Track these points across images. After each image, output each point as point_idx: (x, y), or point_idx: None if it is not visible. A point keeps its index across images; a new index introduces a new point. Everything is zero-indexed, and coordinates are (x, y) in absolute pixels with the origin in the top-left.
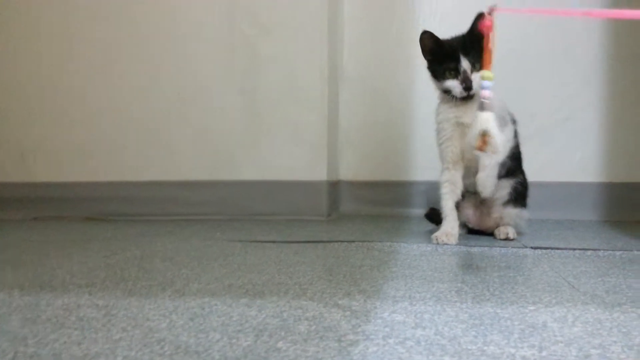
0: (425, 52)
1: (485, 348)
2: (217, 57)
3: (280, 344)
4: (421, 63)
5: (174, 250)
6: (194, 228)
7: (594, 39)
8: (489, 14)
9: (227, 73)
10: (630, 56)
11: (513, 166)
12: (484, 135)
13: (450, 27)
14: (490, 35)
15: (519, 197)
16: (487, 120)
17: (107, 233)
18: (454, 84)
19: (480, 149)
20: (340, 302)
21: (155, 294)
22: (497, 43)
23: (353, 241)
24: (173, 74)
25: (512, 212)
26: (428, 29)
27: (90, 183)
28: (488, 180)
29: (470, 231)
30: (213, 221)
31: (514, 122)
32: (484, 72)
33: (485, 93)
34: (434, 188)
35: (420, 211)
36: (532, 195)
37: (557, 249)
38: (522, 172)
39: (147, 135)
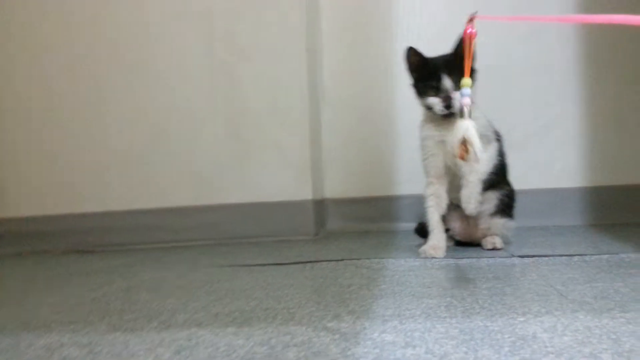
0: (410, 68)
1: None
2: (197, 84)
3: None
4: (401, 79)
5: (160, 280)
6: (181, 255)
7: (568, 49)
8: (470, 21)
9: (209, 99)
10: (603, 64)
11: (498, 179)
12: (464, 144)
13: (427, 45)
14: (472, 43)
15: (506, 208)
16: (466, 128)
17: (92, 265)
18: (435, 102)
19: (462, 157)
20: (329, 324)
21: (140, 327)
22: (476, 58)
23: (341, 259)
24: (154, 102)
25: (499, 222)
26: (407, 46)
27: (74, 215)
28: (472, 197)
29: (458, 243)
30: (200, 247)
31: (498, 139)
32: (464, 80)
33: (465, 100)
34: (421, 202)
35: (406, 225)
36: (516, 203)
37: (544, 256)
38: (508, 184)
39: (130, 164)
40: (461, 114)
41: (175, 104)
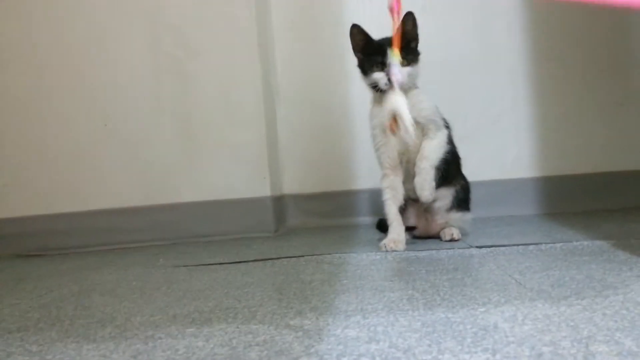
0: (356, 47)
1: (440, 357)
2: (143, 81)
3: None
4: (355, 72)
5: (113, 282)
6: (134, 256)
7: (516, 41)
8: None
9: (156, 97)
10: (551, 56)
11: (451, 172)
12: (394, 116)
13: (379, 30)
14: (396, 17)
15: (462, 201)
16: (395, 100)
17: (41, 270)
18: (379, 76)
19: (392, 130)
20: (291, 322)
21: (94, 333)
22: (425, 50)
23: (302, 256)
24: (100, 99)
25: (456, 216)
26: (352, 24)
27: (18, 218)
28: (425, 183)
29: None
30: (155, 247)
31: (447, 127)
32: (392, 51)
33: (394, 71)
34: (379, 196)
35: (366, 219)
36: (471, 194)
37: (501, 246)
38: (462, 177)
39: (75, 164)
40: (390, 87)
41: (122, 102)
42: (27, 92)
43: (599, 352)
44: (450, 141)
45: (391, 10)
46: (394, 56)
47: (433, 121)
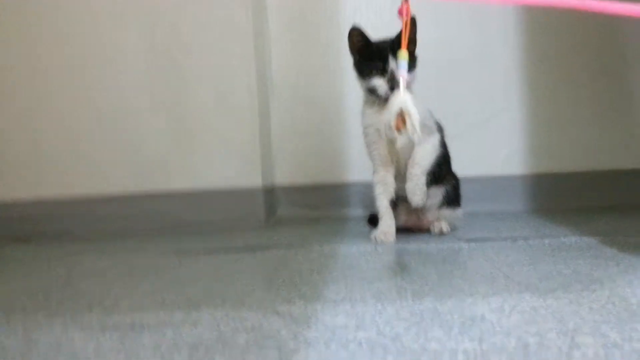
0: (354, 49)
1: (427, 345)
2: (139, 76)
3: (217, 358)
4: (349, 67)
5: (103, 268)
6: (124, 243)
7: (510, 41)
8: (406, 1)
9: (151, 91)
10: (544, 56)
11: (442, 173)
12: (402, 115)
13: (376, 31)
14: (408, 16)
15: (452, 199)
16: (404, 99)
17: (29, 254)
18: (380, 83)
19: (398, 128)
20: (280, 309)
21: (81, 315)
22: (420, 47)
23: (292, 246)
24: (94, 89)
25: (446, 212)
26: (351, 25)
27: (9, 203)
28: (417, 189)
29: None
30: (145, 235)
31: (440, 130)
32: (400, 52)
33: (402, 72)
34: (370, 189)
35: (357, 211)
36: (462, 190)
37: (490, 239)
38: (452, 176)
39: (68, 150)
40: (398, 86)
41: (112, 91)
42: (18, 75)
43: (585, 343)
44: (443, 144)
45: (400, 12)
46: (402, 57)
47: (426, 126)
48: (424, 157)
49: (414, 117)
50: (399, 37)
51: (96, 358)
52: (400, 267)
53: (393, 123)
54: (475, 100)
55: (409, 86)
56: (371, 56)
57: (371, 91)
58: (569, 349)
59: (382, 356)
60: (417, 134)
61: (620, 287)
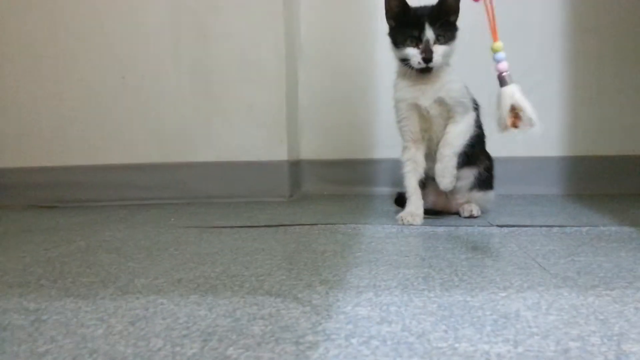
0: (390, 15)
1: (457, 345)
2: (162, 35)
3: (230, 351)
4: (382, 36)
5: (122, 240)
6: (147, 214)
7: (552, 10)
8: None
9: (175, 52)
10: (590, 28)
11: (475, 153)
12: (515, 110)
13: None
14: (488, 4)
15: (485, 181)
16: (512, 94)
17: (52, 222)
18: (413, 53)
19: (514, 125)
20: (299, 295)
21: (94, 294)
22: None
23: (315, 224)
24: (116, 53)
25: (478, 195)
26: None
27: (33, 168)
28: (446, 171)
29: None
30: (168, 205)
31: (476, 108)
32: (495, 44)
33: (502, 66)
34: (399, 167)
35: (384, 189)
36: (495, 171)
37: (524, 226)
38: (486, 156)
39: (92, 117)
40: (502, 82)
41: (140, 56)
42: (43, 41)
43: (633, 352)
44: (478, 123)
45: None
46: (497, 49)
47: (461, 103)
48: (457, 137)
49: (528, 109)
50: (440, 4)
51: (104, 344)
52: (428, 253)
53: (508, 121)
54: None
55: (445, 60)
56: (408, 23)
57: (404, 62)
58: (615, 357)
59: (407, 356)
60: (537, 128)
61: None
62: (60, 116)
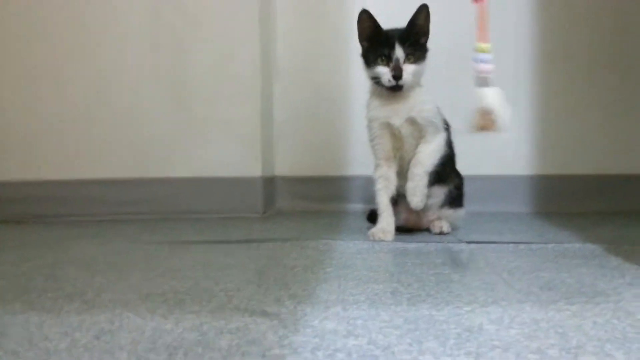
0: (362, 34)
1: (420, 358)
2: (140, 49)
3: None
4: (357, 55)
5: (92, 256)
6: (119, 229)
7: (524, 36)
8: None
9: (152, 66)
10: (559, 52)
11: (446, 172)
12: (488, 113)
13: (389, 17)
14: (483, 6)
15: (455, 199)
16: (487, 96)
17: (22, 237)
18: (384, 71)
19: (485, 127)
20: (268, 309)
21: (59, 308)
22: (430, 40)
23: (287, 239)
24: (92, 64)
25: (448, 212)
26: (362, 8)
27: (3, 182)
28: (417, 190)
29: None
30: (141, 221)
31: (447, 128)
32: (481, 45)
33: (484, 67)
34: (371, 183)
35: (357, 206)
36: (465, 189)
37: (492, 242)
38: (456, 175)
39: (66, 130)
40: (479, 83)
41: (115, 68)
42: (18, 53)
43: None
44: (449, 143)
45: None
46: (483, 50)
47: (433, 123)
48: (428, 156)
49: (501, 113)
50: (410, 26)
51: (68, 357)
52: (397, 268)
53: (478, 123)
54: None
55: (416, 79)
56: (379, 43)
57: (376, 80)
58: None
59: None
60: (507, 131)
61: (625, 300)
62: (33, 129)
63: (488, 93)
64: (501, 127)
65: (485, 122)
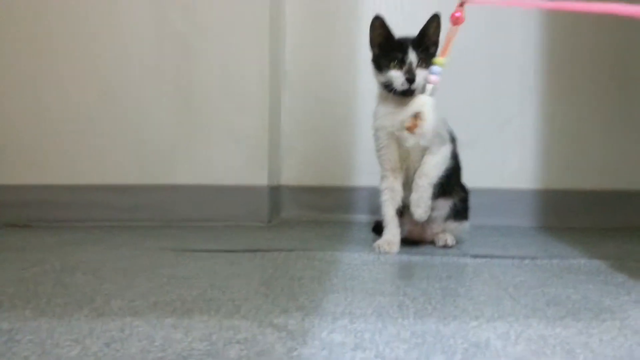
0: (374, 40)
1: None
2: (146, 55)
3: None
4: (365, 68)
5: (98, 262)
6: (124, 236)
7: (530, 46)
8: (460, 5)
9: (158, 72)
10: (565, 64)
11: (451, 184)
12: (417, 118)
13: (395, 27)
14: (456, 28)
15: (460, 212)
16: (424, 103)
17: (26, 241)
18: (397, 75)
19: (410, 130)
20: (276, 320)
21: (69, 314)
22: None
23: (293, 250)
24: (99, 70)
25: (453, 225)
26: (375, 14)
27: (7, 186)
28: (421, 201)
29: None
30: (146, 228)
31: (453, 140)
32: (437, 59)
33: (432, 78)
34: (377, 195)
35: (363, 217)
36: (470, 201)
37: (497, 257)
38: (461, 188)
39: (71, 136)
40: (423, 91)
41: (120, 74)
42: (23, 57)
43: None
44: (454, 155)
45: (454, 19)
46: (437, 63)
47: (438, 134)
48: (433, 168)
49: (428, 123)
50: (422, 34)
51: None
52: (403, 281)
53: (407, 123)
54: (488, 109)
55: (433, 92)
56: (392, 49)
57: (387, 86)
58: None
59: None
60: (426, 140)
61: (632, 318)
62: (38, 134)
63: (425, 100)
64: (423, 132)
65: (412, 124)
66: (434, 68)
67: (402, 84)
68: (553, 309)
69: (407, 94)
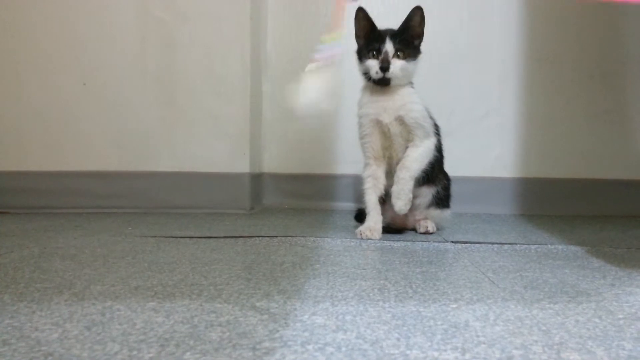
0: (359, 31)
1: (408, 352)
2: (127, 42)
3: (187, 356)
4: (347, 56)
5: (78, 247)
6: (104, 222)
7: (510, 38)
8: None
9: (140, 60)
10: (545, 56)
11: (434, 173)
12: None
13: (378, 17)
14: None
15: (442, 199)
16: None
17: (5, 227)
18: (373, 64)
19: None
20: (258, 304)
21: (49, 299)
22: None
23: (275, 236)
24: (79, 56)
25: (435, 212)
26: (358, 6)
27: None
28: (402, 194)
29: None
30: (126, 215)
31: (437, 133)
32: (323, 36)
33: (317, 56)
34: (360, 182)
35: (345, 204)
36: (452, 190)
37: (477, 243)
38: (444, 176)
39: (53, 122)
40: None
41: (102, 61)
42: (6, 42)
43: (570, 359)
44: (438, 147)
45: None
46: (324, 40)
47: (421, 126)
48: (415, 161)
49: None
50: (404, 26)
51: (60, 348)
52: (385, 266)
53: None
54: (469, 99)
55: (406, 76)
56: (373, 39)
57: (365, 74)
58: None
59: None
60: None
61: (606, 300)
62: (17, 120)
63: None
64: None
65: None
66: (322, 47)
67: (377, 73)
68: (531, 292)
69: (383, 82)
